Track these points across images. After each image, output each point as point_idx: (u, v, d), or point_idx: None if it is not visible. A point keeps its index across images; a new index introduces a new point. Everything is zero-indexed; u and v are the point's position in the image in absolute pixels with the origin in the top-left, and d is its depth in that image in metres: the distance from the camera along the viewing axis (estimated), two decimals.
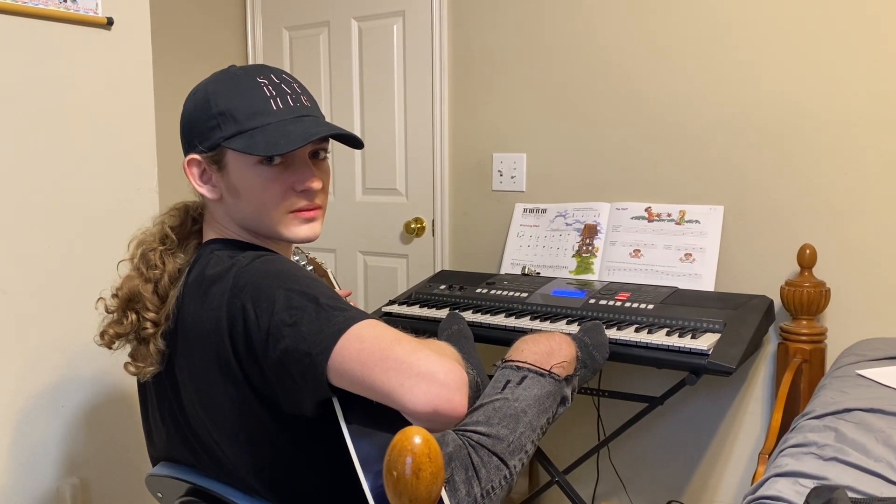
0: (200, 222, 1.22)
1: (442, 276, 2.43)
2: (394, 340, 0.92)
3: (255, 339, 0.99)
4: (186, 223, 1.21)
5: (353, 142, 1.16)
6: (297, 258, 1.60)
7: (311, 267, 1.63)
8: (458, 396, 0.89)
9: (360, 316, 0.96)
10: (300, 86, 1.15)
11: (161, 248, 1.16)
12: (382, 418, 0.93)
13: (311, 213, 1.14)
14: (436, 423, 0.90)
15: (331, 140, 1.16)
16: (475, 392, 1.63)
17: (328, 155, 1.18)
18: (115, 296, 1.16)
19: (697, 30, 2.16)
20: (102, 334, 1.16)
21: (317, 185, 1.12)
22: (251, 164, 1.09)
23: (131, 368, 1.15)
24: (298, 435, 1.05)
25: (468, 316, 2.02)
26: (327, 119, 1.22)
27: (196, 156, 1.12)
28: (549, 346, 1.53)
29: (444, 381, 0.89)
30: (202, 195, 1.15)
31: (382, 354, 0.90)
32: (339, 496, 1.07)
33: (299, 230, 1.14)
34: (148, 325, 1.12)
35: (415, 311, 2.15)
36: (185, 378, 1.10)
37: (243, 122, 1.08)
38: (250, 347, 1.00)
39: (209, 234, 1.18)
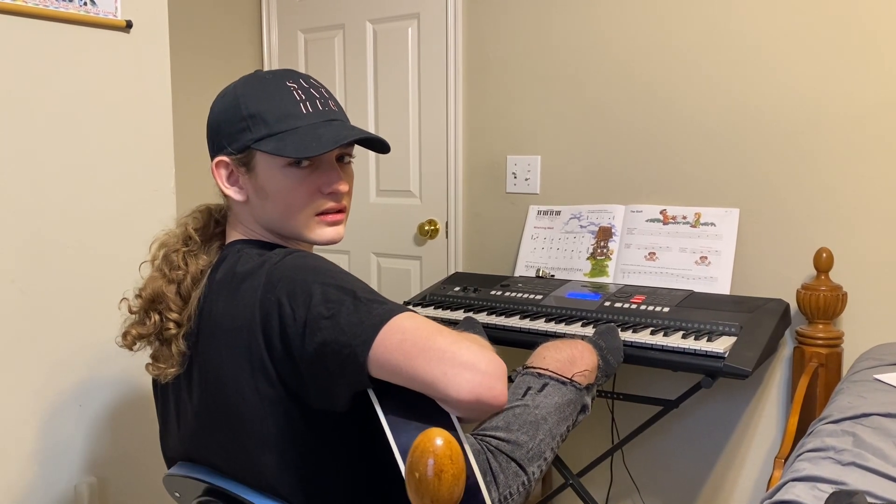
0: (223, 224, 1.23)
1: (456, 278, 2.43)
2: (435, 331, 0.94)
3: (291, 333, 0.99)
4: (209, 225, 1.22)
5: (381, 146, 1.17)
6: None
7: None
8: (499, 385, 0.92)
9: (399, 308, 0.98)
10: (327, 91, 1.17)
11: (184, 249, 1.17)
12: (419, 409, 0.94)
13: (337, 217, 1.17)
14: (477, 411, 0.92)
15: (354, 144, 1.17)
16: None
17: (352, 159, 1.19)
18: (138, 296, 1.17)
19: (712, 32, 2.16)
20: (125, 335, 1.17)
21: (344, 187, 1.15)
22: (280, 167, 1.11)
23: (152, 370, 1.16)
24: (326, 433, 1.05)
25: (483, 318, 2.02)
26: None
27: (224, 157, 1.14)
28: (571, 354, 1.52)
29: (486, 370, 0.91)
30: (228, 197, 1.16)
31: (425, 345, 0.92)
32: (363, 495, 1.08)
33: (324, 233, 1.16)
34: (171, 325, 1.12)
35: (429, 312, 2.16)
36: (209, 377, 1.10)
37: (273, 124, 1.10)
38: (285, 342, 1.00)
39: (233, 236, 1.19)
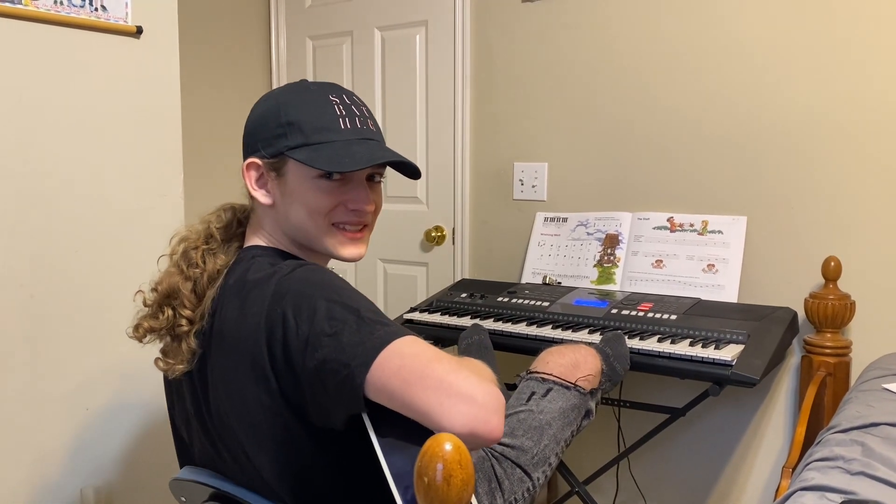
0: (245, 225, 1.23)
1: (463, 285, 2.43)
2: (434, 359, 0.92)
3: (293, 347, 0.99)
4: (232, 225, 1.23)
5: (412, 171, 1.17)
6: None
7: None
8: (495, 419, 0.89)
9: (402, 332, 0.96)
10: (368, 110, 1.18)
11: (204, 246, 1.17)
12: (415, 433, 0.92)
13: (358, 235, 1.16)
14: (471, 444, 0.89)
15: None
16: None
17: (383, 179, 1.19)
18: (153, 290, 1.18)
19: (719, 40, 2.16)
20: (137, 327, 1.17)
21: (370, 207, 1.15)
22: (311, 177, 1.11)
23: (161, 364, 1.16)
24: (326, 445, 1.05)
25: (489, 324, 2.02)
26: None
27: (256, 160, 1.14)
28: (574, 359, 1.52)
29: (483, 402, 0.88)
30: (255, 199, 1.17)
31: (423, 372, 0.90)
32: None
33: (345, 250, 1.15)
34: (183, 322, 1.13)
35: (436, 318, 2.15)
36: (217, 380, 1.10)
37: (310, 134, 1.10)
38: (287, 355, 1.00)
39: (252, 240, 1.19)
